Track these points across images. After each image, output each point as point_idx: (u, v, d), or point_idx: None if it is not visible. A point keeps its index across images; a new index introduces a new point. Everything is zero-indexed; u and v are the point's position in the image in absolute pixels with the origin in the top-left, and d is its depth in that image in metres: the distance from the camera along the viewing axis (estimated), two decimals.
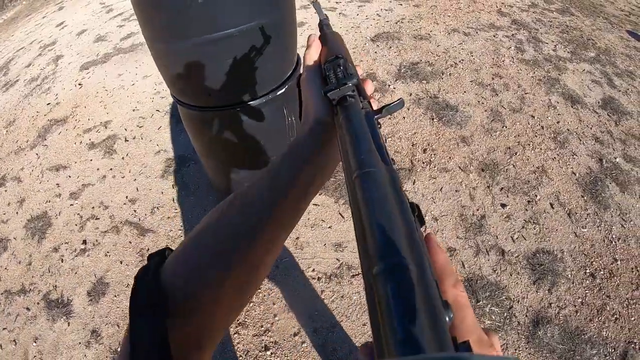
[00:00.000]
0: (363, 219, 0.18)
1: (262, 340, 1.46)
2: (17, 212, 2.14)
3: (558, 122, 2.27)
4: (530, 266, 1.63)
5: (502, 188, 1.86)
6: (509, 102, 2.32)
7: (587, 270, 1.65)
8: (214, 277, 0.29)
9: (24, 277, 1.84)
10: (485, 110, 2.23)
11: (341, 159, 0.26)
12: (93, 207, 2.05)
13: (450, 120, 2.16)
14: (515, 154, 2.03)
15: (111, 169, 2.24)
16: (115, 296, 1.64)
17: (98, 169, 2.25)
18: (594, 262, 1.68)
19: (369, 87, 0.36)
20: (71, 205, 2.08)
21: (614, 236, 1.78)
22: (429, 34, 2.84)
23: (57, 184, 2.23)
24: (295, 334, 1.46)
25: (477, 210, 1.78)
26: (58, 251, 1.90)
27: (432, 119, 2.15)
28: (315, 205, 1.79)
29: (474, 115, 2.20)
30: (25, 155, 2.49)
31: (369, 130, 0.26)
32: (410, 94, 2.33)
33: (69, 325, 1.58)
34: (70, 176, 2.25)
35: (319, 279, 1.58)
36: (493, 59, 2.65)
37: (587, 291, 1.59)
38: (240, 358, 1.44)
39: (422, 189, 1.85)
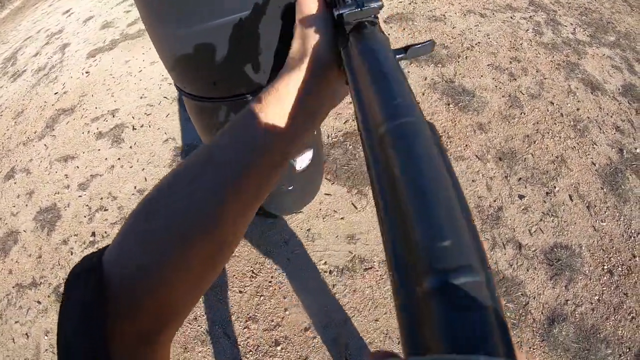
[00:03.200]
0: (404, 198, 0.10)
1: (273, 335, 1.34)
2: (26, 205, 2.03)
3: (578, 110, 2.03)
4: (547, 261, 1.46)
5: (520, 178, 1.66)
6: (527, 88, 2.07)
7: (605, 267, 1.48)
8: (168, 261, 0.22)
9: (35, 270, 1.74)
10: (503, 96, 1.99)
11: (355, 108, 0.17)
12: (101, 198, 1.92)
13: (467, 106, 1.92)
14: (534, 142, 1.81)
15: (119, 159, 2.08)
16: None
17: (106, 159, 2.10)
18: (612, 258, 1.50)
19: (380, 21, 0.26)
20: (80, 196, 1.95)
21: (633, 231, 1.60)
22: (443, 15, 2.54)
23: (66, 175, 2.09)
24: (306, 329, 1.34)
25: (494, 201, 1.59)
26: (67, 244, 1.79)
27: (448, 105, 1.92)
28: (327, 195, 1.62)
29: (491, 101, 1.96)
30: (33, 147, 2.35)
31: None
32: (425, 78, 2.08)
33: None
34: (78, 167, 2.11)
35: (330, 272, 1.43)
36: (510, 41, 2.36)
37: (604, 288, 1.42)
38: (250, 353, 1.32)
39: None
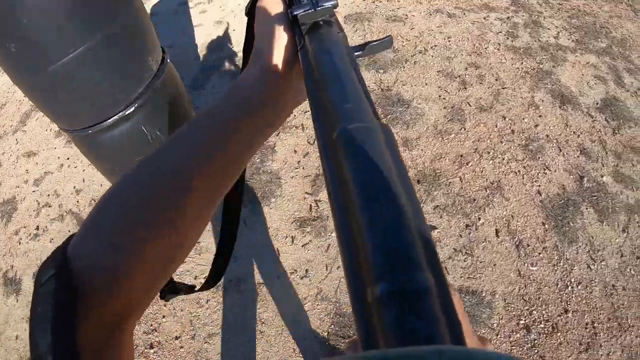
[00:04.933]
0: (353, 205, 0.10)
1: (149, 338, 1.25)
2: None
3: (536, 126, 1.69)
4: None
5: (437, 206, 1.38)
6: (477, 99, 1.75)
7: (522, 321, 1.18)
8: (128, 258, 0.22)
9: None
10: (445, 108, 1.69)
11: (312, 110, 0.17)
12: (49, 195, 1.95)
13: (397, 118, 1.64)
14: (467, 163, 1.50)
15: (68, 158, 2.08)
16: None
17: (58, 157, 2.11)
18: (535, 311, 1.20)
19: (340, 18, 0.25)
20: (33, 191, 2.00)
21: (573, 279, 1.28)
22: (406, 15, 2.23)
23: (27, 170, 2.12)
24: (176, 337, 1.24)
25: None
26: (18, 234, 1.85)
27: None
28: None
29: (428, 113, 1.67)
30: (7, 140, 2.38)
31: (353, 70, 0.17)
32: None
33: (17, 301, 1.57)
34: (37, 163, 2.13)
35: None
36: (474, 45, 2.02)
37: (514, 347, 1.13)
38: None
39: None
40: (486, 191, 1.44)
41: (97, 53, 0.82)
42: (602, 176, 1.61)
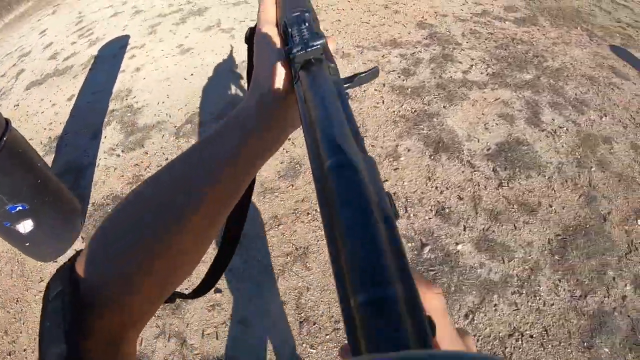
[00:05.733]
0: (340, 232, 0.13)
1: None
2: None
3: (384, 182, 1.46)
4: None
5: (229, 270, 1.27)
6: None
7: None
8: (130, 271, 0.23)
9: None
10: (282, 163, 1.58)
11: (305, 139, 0.19)
12: None
13: None
14: (279, 225, 1.37)
15: None
16: None
17: None
18: None
19: (332, 45, 0.27)
20: None
21: None
22: None
23: None
24: None
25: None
26: None
27: None
28: None
29: (262, 168, 1.57)
30: None
31: (340, 104, 0.19)
32: None
33: None
34: None
35: None
36: (352, 88, 1.87)
37: None
38: None
39: None
40: (287, 258, 1.27)
41: None
42: (457, 244, 1.29)
